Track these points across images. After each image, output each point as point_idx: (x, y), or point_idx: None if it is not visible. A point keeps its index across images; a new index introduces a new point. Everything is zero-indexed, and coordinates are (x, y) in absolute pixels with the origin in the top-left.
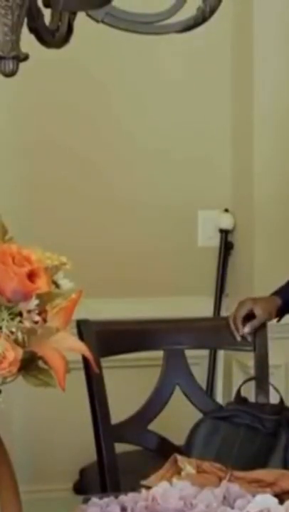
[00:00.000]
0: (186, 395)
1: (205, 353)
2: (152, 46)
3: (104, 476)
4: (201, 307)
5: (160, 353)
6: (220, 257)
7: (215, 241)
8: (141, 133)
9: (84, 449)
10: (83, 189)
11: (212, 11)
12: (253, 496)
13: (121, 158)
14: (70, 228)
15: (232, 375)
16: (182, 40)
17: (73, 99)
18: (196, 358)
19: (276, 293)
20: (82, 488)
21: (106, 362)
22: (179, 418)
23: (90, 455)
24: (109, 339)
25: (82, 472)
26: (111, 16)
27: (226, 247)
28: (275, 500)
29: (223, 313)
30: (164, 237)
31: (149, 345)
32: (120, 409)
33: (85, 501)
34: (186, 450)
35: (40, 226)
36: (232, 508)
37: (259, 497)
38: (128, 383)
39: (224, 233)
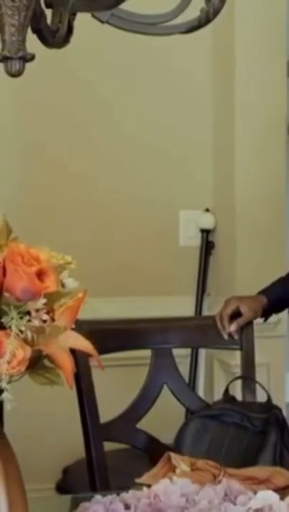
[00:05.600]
0: (173, 394)
1: (187, 351)
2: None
3: (93, 474)
4: (183, 306)
5: (147, 352)
6: (201, 256)
7: (196, 241)
8: (122, 134)
9: (67, 448)
10: (66, 191)
11: (216, 12)
12: (255, 493)
13: (103, 160)
14: (50, 229)
15: (213, 374)
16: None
17: (66, 101)
18: (178, 357)
19: (262, 292)
20: (66, 487)
21: (94, 361)
22: (166, 416)
23: (73, 454)
24: (98, 338)
25: (66, 471)
26: (116, 17)
27: (207, 246)
28: (277, 496)
29: (205, 312)
30: (145, 237)
31: (137, 344)
32: (108, 408)
33: (74, 500)
34: (175, 449)
35: (29, 226)
36: (234, 504)
37: (261, 493)
38: (115, 382)
39: (205, 233)
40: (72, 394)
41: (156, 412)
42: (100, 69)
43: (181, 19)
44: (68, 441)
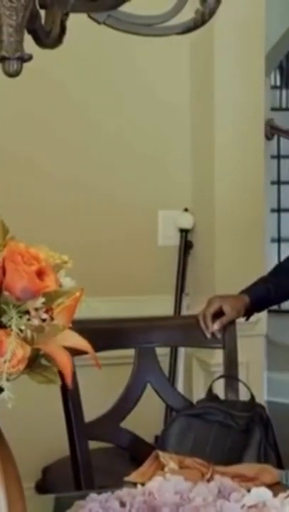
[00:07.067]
0: (157, 393)
1: (166, 350)
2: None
3: (78, 473)
4: (162, 306)
5: (130, 351)
6: (180, 256)
7: (175, 240)
8: (101, 134)
9: (47, 447)
10: (45, 193)
11: (211, 13)
12: (248, 490)
13: (82, 161)
14: (26, 230)
15: (192, 373)
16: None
17: (46, 107)
18: (158, 356)
19: (244, 291)
20: (45, 487)
21: (78, 361)
22: (146, 415)
23: (52, 454)
24: (85, 338)
25: (45, 471)
26: (112, 18)
27: (186, 246)
28: (270, 493)
29: (184, 311)
30: (124, 236)
31: (121, 344)
32: (91, 407)
33: (57, 500)
34: (159, 447)
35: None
36: (228, 501)
37: (254, 490)
38: (99, 381)
39: (184, 232)
40: (54, 393)
41: (137, 411)
42: (78, 72)
43: (177, 20)
44: (48, 441)
